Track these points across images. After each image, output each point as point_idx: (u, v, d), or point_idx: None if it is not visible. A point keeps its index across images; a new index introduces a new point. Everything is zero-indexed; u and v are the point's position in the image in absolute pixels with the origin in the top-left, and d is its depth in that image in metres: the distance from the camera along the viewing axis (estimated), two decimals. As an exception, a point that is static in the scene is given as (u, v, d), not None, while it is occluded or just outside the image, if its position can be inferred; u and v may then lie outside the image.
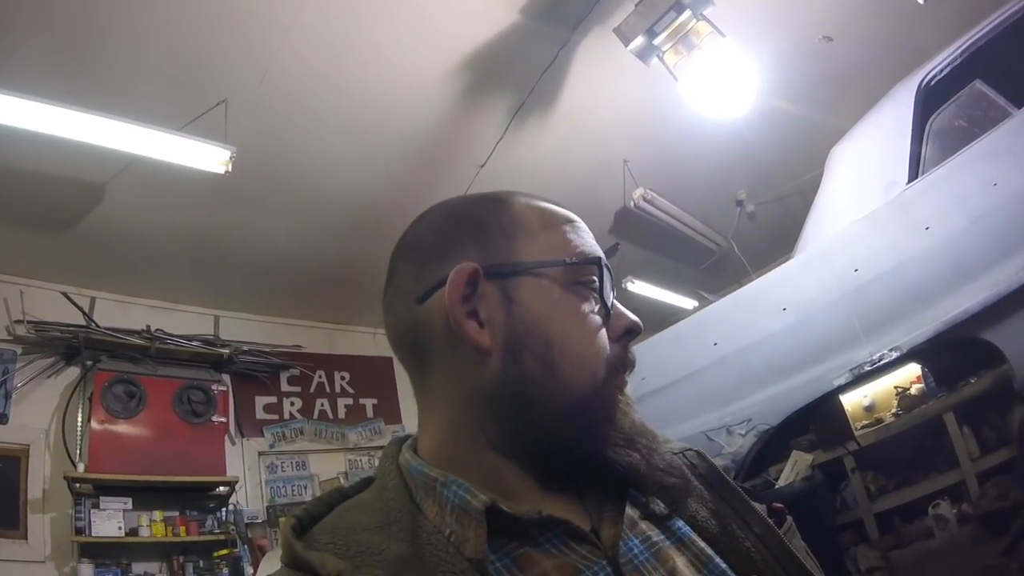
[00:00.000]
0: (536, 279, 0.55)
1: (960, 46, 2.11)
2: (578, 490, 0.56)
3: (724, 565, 0.54)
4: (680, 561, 0.53)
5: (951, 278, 1.83)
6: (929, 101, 2.13)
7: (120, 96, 2.57)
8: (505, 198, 0.61)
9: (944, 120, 2.08)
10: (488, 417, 0.54)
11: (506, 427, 0.53)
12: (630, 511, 0.56)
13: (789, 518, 1.97)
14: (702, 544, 0.55)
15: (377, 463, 0.60)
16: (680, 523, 0.57)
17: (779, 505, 2.06)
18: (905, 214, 1.98)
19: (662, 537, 0.55)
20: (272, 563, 2.23)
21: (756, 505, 0.62)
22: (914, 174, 2.05)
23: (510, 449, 0.53)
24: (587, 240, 0.60)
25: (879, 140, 2.29)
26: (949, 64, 2.13)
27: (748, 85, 2.52)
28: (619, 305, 0.59)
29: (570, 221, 0.60)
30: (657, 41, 2.29)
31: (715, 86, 2.43)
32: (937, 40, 2.37)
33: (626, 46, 2.33)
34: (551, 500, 0.53)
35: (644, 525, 0.55)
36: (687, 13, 2.23)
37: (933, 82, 2.16)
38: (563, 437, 0.52)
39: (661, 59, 2.35)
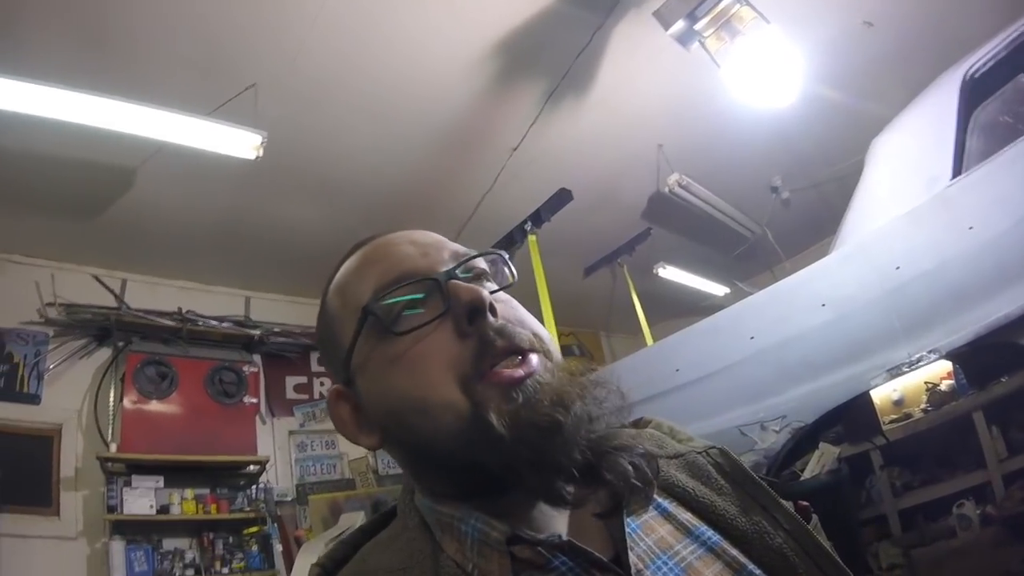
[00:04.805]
0: (360, 363, 0.55)
1: (1005, 38, 2.03)
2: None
3: (759, 571, 0.53)
4: (711, 572, 0.52)
5: (993, 281, 1.78)
6: (974, 93, 2.06)
7: (147, 82, 2.57)
8: (323, 298, 0.61)
9: (988, 114, 2.02)
10: (431, 484, 0.56)
11: (443, 488, 0.55)
12: (650, 518, 0.55)
13: (815, 516, 1.97)
14: (735, 552, 0.54)
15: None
16: (709, 531, 0.55)
17: (804, 503, 2.06)
18: (948, 212, 1.93)
19: (691, 548, 0.53)
20: (309, 555, 2.27)
21: (784, 501, 0.61)
22: (958, 170, 1.99)
23: (466, 498, 0.52)
24: (373, 274, 0.56)
25: (922, 132, 2.22)
26: (993, 57, 2.06)
27: (793, 74, 2.41)
28: (456, 285, 0.53)
29: (358, 270, 0.58)
30: (698, 26, 2.21)
31: (759, 74, 2.34)
32: (980, 29, 2.28)
33: (666, 30, 2.26)
34: (574, 522, 0.53)
35: (671, 538, 0.54)
36: (730, -3, 2.15)
37: (978, 74, 2.09)
38: (483, 473, 0.49)
39: (703, 44, 2.27)
